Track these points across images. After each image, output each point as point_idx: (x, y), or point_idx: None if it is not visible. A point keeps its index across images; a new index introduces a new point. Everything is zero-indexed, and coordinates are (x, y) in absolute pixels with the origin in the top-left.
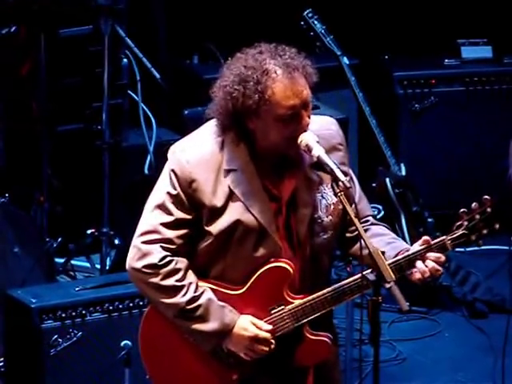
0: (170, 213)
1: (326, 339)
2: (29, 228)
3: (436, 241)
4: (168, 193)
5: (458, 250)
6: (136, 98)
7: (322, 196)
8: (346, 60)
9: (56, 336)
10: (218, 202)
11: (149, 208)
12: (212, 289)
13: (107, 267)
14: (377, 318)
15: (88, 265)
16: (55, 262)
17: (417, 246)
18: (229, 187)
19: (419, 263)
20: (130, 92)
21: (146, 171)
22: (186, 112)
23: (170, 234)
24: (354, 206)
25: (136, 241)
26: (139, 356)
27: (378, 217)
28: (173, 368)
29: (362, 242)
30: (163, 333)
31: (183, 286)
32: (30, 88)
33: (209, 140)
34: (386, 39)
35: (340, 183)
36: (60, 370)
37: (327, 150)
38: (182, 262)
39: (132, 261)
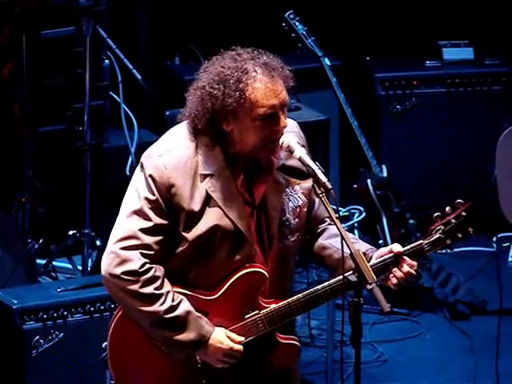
0: (148, 218)
1: (297, 342)
2: (10, 229)
3: (413, 245)
4: (146, 198)
5: (439, 251)
6: (118, 99)
7: (288, 199)
8: (327, 61)
9: (38, 337)
10: (196, 206)
11: (125, 213)
12: (186, 294)
13: (89, 268)
14: (358, 320)
15: (70, 266)
16: (37, 263)
17: (386, 250)
18: (206, 192)
19: (395, 268)
20: (111, 93)
21: (128, 172)
22: (168, 113)
23: (149, 239)
24: (336, 207)
25: (114, 247)
26: None
27: (359, 218)
28: (140, 375)
29: (344, 243)
30: (132, 340)
31: (161, 295)
32: (11, 89)
33: (184, 144)
34: (368, 40)
35: (321, 184)
36: (42, 370)
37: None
38: (160, 270)
39: (109, 267)
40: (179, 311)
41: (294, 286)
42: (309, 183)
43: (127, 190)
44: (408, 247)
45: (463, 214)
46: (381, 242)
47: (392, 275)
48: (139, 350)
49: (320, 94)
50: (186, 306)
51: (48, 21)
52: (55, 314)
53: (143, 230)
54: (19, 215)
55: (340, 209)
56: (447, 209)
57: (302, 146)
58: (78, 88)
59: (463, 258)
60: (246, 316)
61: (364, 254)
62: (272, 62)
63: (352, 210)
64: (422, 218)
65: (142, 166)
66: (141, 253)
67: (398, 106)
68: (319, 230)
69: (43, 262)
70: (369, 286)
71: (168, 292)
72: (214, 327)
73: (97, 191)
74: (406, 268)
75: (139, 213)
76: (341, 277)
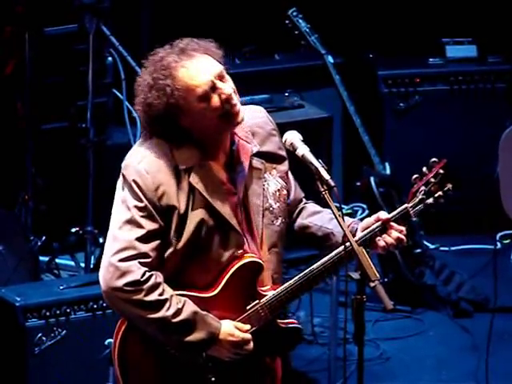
0: (141, 226)
1: (297, 324)
2: (13, 226)
3: (398, 210)
4: (135, 206)
5: (442, 249)
6: (120, 96)
7: (267, 184)
8: (330, 59)
9: (40, 334)
10: (182, 203)
11: (116, 225)
12: (185, 295)
13: (91, 266)
14: (361, 317)
15: (72, 263)
16: (39, 260)
17: (371, 219)
18: (189, 185)
19: (384, 235)
20: (114, 90)
21: None
22: None
23: (145, 247)
24: (340, 205)
25: (111, 259)
26: None
27: (361, 216)
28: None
29: (348, 242)
30: (137, 354)
31: (166, 300)
32: (14, 86)
33: (157, 148)
34: (371, 38)
35: (325, 182)
36: (44, 368)
37: (265, 137)
38: (159, 276)
39: (111, 281)
40: (186, 313)
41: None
42: (285, 166)
43: (113, 206)
44: (394, 213)
45: (440, 171)
46: None
47: (379, 239)
48: (145, 364)
49: (323, 91)
50: (191, 307)
51: (51, 18)
52: (58, 312)
53: (138, 239)
54: (22, 212)
55: (343, 206)
56: (424, 169)
57: (274, 130)
58: (80, 85)
59: (466, 256)
60: (248, 307)
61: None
62: (188, 45)
63: (355, 208)
64: (424, 216)
65: (123, 177)
66: (139, 262)
67: (401, 104)
68: (297, 210)
69: (46, 259)
70: (372, 284)
71: (172, 296)
72: (221, 321)
73: (99, 189)
74: (395, 234)
75: (131, 222)
76: (332, 254)
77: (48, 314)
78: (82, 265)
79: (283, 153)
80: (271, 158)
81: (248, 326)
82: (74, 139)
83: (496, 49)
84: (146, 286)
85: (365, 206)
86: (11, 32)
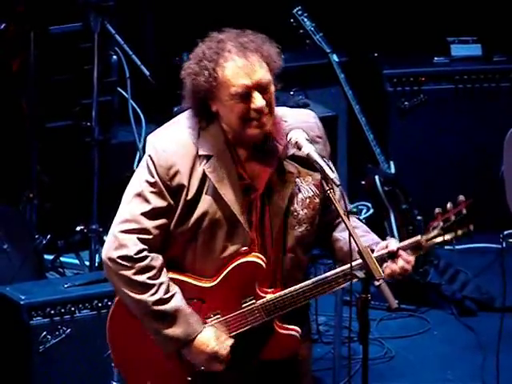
0: (148, 201)
1: (295, 333)
2: (18, 225)
3: (410, 241)
4: (146, 181)
5: (447, 247)
6: (125, 94)
7: (298, 189)
8: (335, 57)
9: (45, 333)
10: (193, 187)
11: (127, 197)
12: (182, 281)
13: (96, 264)
14: (366, 316)
15: (77, 262)
16: (44, 258)
17: (393, 243)
18: (203, 173)
19: (390, 261)
20: (119, 89)
21: (135, 168)
22: (176, 109)
23: (148, 223)
24: (342, 203)
25: (114, 229)
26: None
27: (366, 214)
28: (138, 359)
29: (352, 240)
30: (131, 323)
31: (154, 285)
32: (19, 85)
33: (184, 128)
34: (376, 37)
35: (329, 180)
36: (49, 366)
37: None
38: (157, 260)
39: (108, 251)
40: (169, 306)
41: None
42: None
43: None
44: (405, 243)
45: (464, 211)
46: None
47: (386, 266)
48: (137, 334)
49: (328, 90)
50: (177, 302)
51: (56, 17)
52: (62, 310)
53: (143, 214)
54: (27, 211)
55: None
56: (448, 205)
57: (319, 137)
58: (85, 84)
59: (471, 255)
60: (243, 305)
61: (372, 250)
62: (252, 43)
63: (360, 207)
64: (429, 215)
65: (145, 151)
66: (138, 238)
67: (405, 103)
68: (335, 223)
69: (51, 257)
70: (376, 283)
71: (161, 283)
72: (204, 327)
73: (104, 187)
74: (400, 263)
75: (139, 196)
76: (336, 270)
77: (53, 312)
78: (87, 263)
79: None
80: (308, 164)
81: (230, 342)
82: (79, 137)
83: (501, 48)
84: (137, 265)
85: (369, 205)
86: (15, 31)
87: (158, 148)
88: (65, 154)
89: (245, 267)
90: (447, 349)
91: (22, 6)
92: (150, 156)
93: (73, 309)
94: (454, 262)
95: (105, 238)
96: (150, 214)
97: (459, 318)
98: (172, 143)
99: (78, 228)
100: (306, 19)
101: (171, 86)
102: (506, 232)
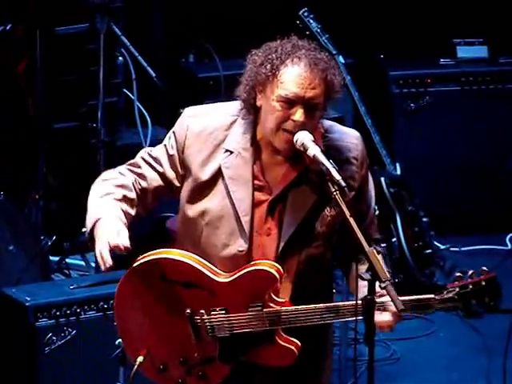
0: (158, 162)
1: (294, 348)
2: (24, 226)
3: (423, 297)
4: (165, 146)
5: (452, 249)
6: (131, 96)
7: (323, 205)
8: (341, 59)
9: (50, 334)
10: (204, 176)
11: (148, 148)
12: (199, 271)
13: None
14: (372, 318)
15: (83, 263)
16: (50, 260)
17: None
18: (219, 166)
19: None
20: (125, 90)
21: None
22: (182, 110)
23: (147, 172)
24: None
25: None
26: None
27: None
28: (142, 324)
29: (359, 243)
30: (138, 292)
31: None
32: (25, 86)
33: (221, 115)
34: (382, 38)
35: (335, 182)
36: (54, 368)
37: (338, 162)
38: (130, 192)
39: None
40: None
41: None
42: (348, 197)
43: None
44: (418, 297)
45: (483, 283)
46: (394, 240)
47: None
48: (144, 304)
49: None
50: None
51: (62, 18)
52: (68, 311)
53: (151, 167)
54: (32, 212)
55: None
56: (470, 272)
57: (355, 159)
58: (91, 85)
59: (476, 257)
60: (249, 309)
61: (378, 252)
62: (323, 60)
63: None
64: (435, 217)
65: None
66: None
67: (411, 104)
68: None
69: (56, 259)
70: (382, 285)
71: (107, 196)
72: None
73: None
74: (386, 317)
75: (152, 156)
76: (350, 302)
77: (58, 313)
78: (93, 264)
79: (354, 184)
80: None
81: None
82: (85, 139)
83: (507, 49)
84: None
85: (376, 207)
86: (23, 31)
87: (184, 125)
88: (71, 155)
89: (259, 275)
90: (453, 350)
91: (32, 5)
92: (174, 130)
93: (78, 310)
94: (460, 264)
95: None
96: (157, 174)
97: (465, 320)
98: (200, 126)
99: (84, 229)
100: (312, 21)
101: (177, 88)
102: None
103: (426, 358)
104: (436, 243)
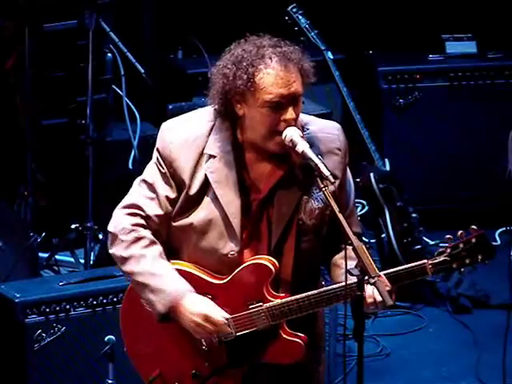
0: (154, 190)
1: (301, 341)
2: (13, 222)
3: (416, 264)
4: (156, 165)
5: (442, 245)
6: (120, 92)
7: (309, 198)
8: (330, 55)
9: (40, 331)
10: (194, 186)
11: (138, 180)
12: (194, 275)
13: (91, 262)
14: (361, 313)
15: (72, 259)
16: (39, 256)
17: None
18: (205, 174)
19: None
20: (114, 87)
21: (131, 166)
22: (170, 107)
23: (151, 211)
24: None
25: (118, 211)
26: (123, 351)
27: (361, 212)
28: (149, 344)
29: (347, 236)
30: (141, 312)
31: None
32: (14, 82)
33: (198, 123)
34: (371, 34)
35: (324, 178)
36: (44, 364)
37: (322, 153)
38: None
39: (115, 228)
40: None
41: None
42: (333, 187)
43: None
44: (411, 265)
45: (473, 240)
46: (383, 235)
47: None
48: (149, 320)
49: (323, 87)
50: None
51: (51, 13)
52: (57, 308)
53: (148, 198)
54: (21, 208)
55: None
56: (459, 232)
57: (338, 149)
58: (80, 81)
59: None
60: (250, 306)
61: (367, 248)
62: (292, 53)
63: (355, 204)
64: (424, 212)
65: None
66: (139, 223)
67: (400, 100)
68: (342, 246)
69: (45, 255)
70: (371, 280)
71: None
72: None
73: (99, 185)
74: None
75: (147, 183)
76: (343, 283)
77: (47, 310)
78: (82, 261)
79: (338, 173)
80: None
81: (223, 312)
82: (74, 135)
83: (496, 45)
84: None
85: (365, 203)
86: (11, 28)
87: (165, 139)
88: (60, 151)
89: (254, 269)
90: (442, 346)
91: (21, 2)
92: (157, 147)
93: (68, 307)
94: None
95: (100, 236)
96: (155, 202)
97: (454, 315)
98: (180, 136)
99: (73, 226)
100: (300, 16)
101: (166, 84)
102: (500, 230)
103: (415, 353)
104: (425, 239)
